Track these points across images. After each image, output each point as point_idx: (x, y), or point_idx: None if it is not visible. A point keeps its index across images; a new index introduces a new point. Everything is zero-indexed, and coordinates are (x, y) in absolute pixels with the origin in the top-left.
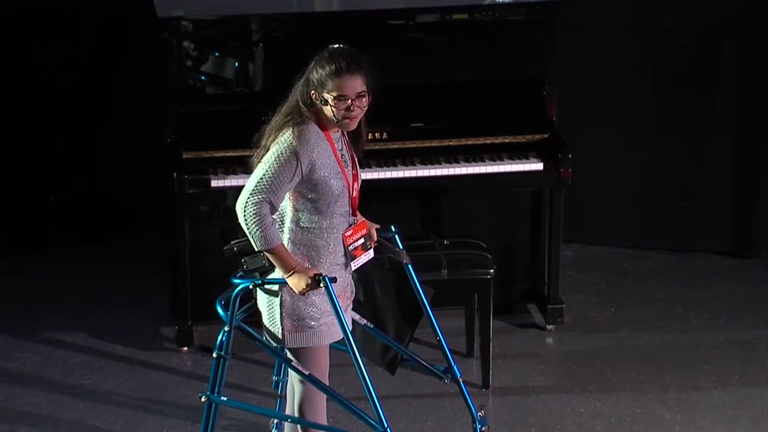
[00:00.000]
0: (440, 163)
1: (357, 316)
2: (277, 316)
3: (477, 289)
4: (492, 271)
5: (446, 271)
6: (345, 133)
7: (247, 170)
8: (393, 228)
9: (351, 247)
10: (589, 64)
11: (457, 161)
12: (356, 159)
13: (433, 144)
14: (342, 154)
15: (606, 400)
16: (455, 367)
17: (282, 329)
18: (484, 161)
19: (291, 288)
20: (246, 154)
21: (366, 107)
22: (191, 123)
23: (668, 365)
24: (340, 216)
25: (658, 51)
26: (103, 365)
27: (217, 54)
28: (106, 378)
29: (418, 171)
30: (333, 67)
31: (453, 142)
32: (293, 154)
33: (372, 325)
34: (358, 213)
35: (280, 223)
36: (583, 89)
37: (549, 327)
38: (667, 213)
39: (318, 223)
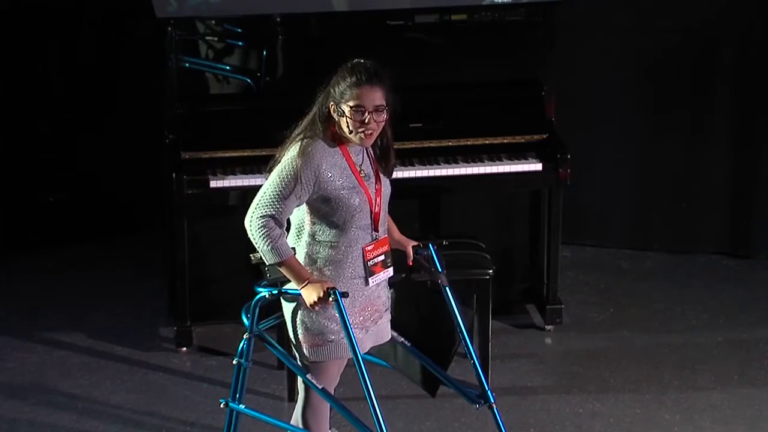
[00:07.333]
0: (439, 164)
1: (395, 334)
2: (300, 330)
3: (476, 290)
4: (491, 271)
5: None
6: (368, 149)
7: (246, 171)
8: (431, 246)
9: (370, 263)
10: (587, 64)
11: (455, 162)
12: (381, 174)
13: (431, 144)
14: (361, 169)
15: (605, 401)
16: (490, 392)
17: (303, 343)
18: (483, 162)
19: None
20: (245, 154)
21: (383, 123)
22: (190, 123)
23: (667, 365)
24: (359, 230)
25: (657, 51)
26: (101, 366)
27: (215, 54)
28: (105, 378)
29: (417, 171)
30: (354, 78)
31: (452, 143)
32: (294, 172)
33: (409, 344)
34: (380, 229)
35: (297, 236)
36: (582, 90)
37: (548, 327)
38: (666, 213)
39: (335, 237)
